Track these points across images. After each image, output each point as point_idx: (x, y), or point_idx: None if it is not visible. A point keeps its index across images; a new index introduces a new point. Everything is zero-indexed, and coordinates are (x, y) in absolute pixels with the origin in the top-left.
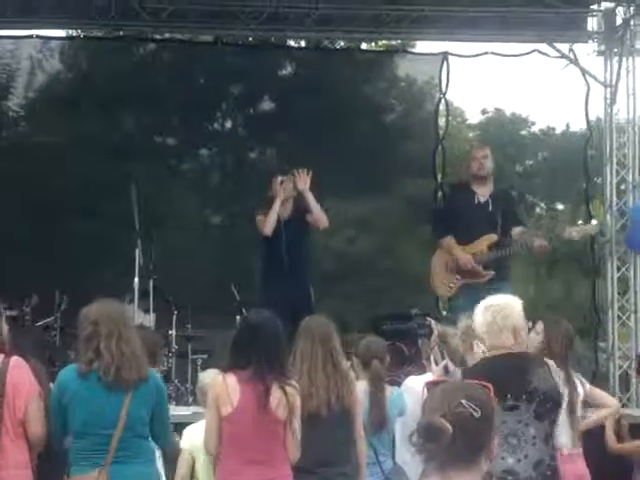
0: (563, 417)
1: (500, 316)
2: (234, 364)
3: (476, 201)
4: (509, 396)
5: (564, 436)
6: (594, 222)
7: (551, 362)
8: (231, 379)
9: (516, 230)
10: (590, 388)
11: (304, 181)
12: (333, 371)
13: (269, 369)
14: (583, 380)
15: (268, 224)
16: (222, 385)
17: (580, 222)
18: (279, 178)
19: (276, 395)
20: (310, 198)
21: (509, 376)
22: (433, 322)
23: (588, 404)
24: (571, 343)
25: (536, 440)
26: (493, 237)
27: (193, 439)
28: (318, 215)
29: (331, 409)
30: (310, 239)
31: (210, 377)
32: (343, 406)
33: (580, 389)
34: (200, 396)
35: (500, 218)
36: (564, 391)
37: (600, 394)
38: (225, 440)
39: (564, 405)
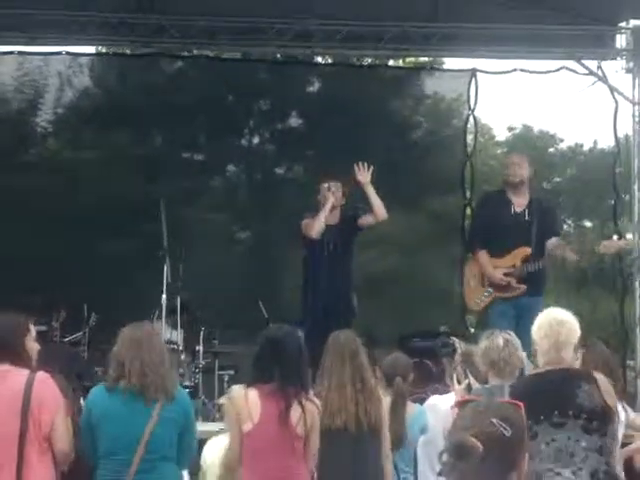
0: None
1: (565, 330)
2: (256, 379)
3: (512, 211)
4: (556, 413)
5: None
6: (629, 236)
7: (601, 376)
8: (253, 394)
9: (551, 242)
10: (636, 415)
11: (365, 174)
12: (362, 387)
13: (290, 384)
14: (626, 406)
15: (316, 227)
16: (243, 401)
17: (615, 237)
18: (328, 184)
19: (297, 411)
20: (371, 190)
21: (556, 392)
22: (457, 341)
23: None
24: (609, 366)
25: (588, 452)
26: (527, 250)
27: (206, 455)
28: (378, 207)
29: (359, 425)
30: (355, 248)
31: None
32: (371, 423)
33: (622, 414)
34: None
35: (535, 229)
36: (616, 406)
37: None
38: (245, 456)
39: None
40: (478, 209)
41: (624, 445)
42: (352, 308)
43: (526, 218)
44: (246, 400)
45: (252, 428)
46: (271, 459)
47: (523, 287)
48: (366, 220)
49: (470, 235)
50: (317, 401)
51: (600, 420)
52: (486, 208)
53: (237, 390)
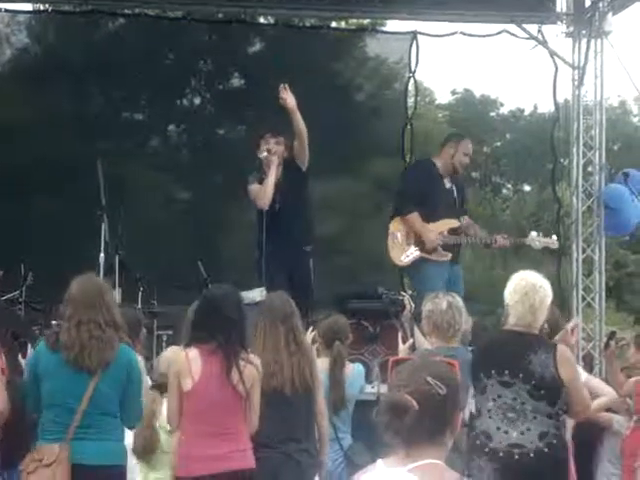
0: None
1: (539, 296)
2: (196, 339)
3: (444, 186)
4: (507, 372)
5: None
6: (554, 237)
7: (563, 348)
8: (193, 353)
9: (465, 220)
10: (587, 378)
11: (291, 98)
12: (296, 349)
13: (231, 344)
14: (580, 370)
15: (265, 197)
16: (184, 360)
17: (541, 236)
18: (268, 146)
19: (237, 369)
20: (298, 117)
21: (513, 353)
22: (407, 297)
23: None
24: (555, 328)
25: (537, 415)
26: (455, 223)
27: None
28: (302, 131)
29: (294, 387)
30: (308, 197)
31: (167, 357)
32: (306, 384)
33: None
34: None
35: (459, 206)
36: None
37: (597, 384)
38: (185, 414)
39: None
40: (411, 173)
41: None
42: (308, 269)
43: (454, 195)
44: (187, 359)
45: (192, 386)
46: (211, 417)
47: (449, 254)
48: (296, 152)
49: (403, 196)
50: (257, 361)
51: (548, 389)
52: (421, 175)
53: (177, 349)
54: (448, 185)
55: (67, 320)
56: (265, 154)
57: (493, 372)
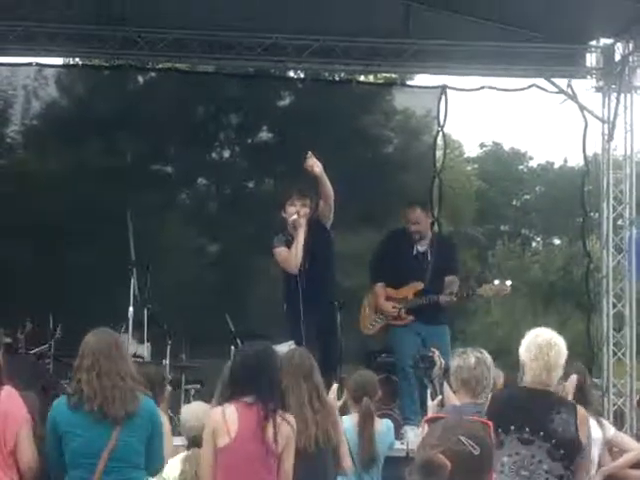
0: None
1: (554, 353)
2: (233, 394)
3: (414, 251)
4: (527, 429)
5: None
6: (508, 283)
7: (582, 410)
8: (230, 409)
9: (448, 279)
10: (615, 434)
11: (318, 164)
12: (319, 406)
13: (267, 401)
14: (606, 424)
15: (295, 262)
16: (220, 417)
17: (497, 282)
18: (297, 209)
19: (273, 425)
20: (324, 179)
21: (533, 410)
22: (437, 354)
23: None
24: (580, 385)
25: (549, 476)
26: (420, 285)
27: (168, 473)
28: (327, 193)
29: (318, 444)
30: (334, 255)
31: (193, 411)
32: (329, 441)
33: (597, 431)
34: (182, 429)
35: (433, 268)
36: (590, 440)
37: (624, 439)
38: (220, 472)
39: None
40: (383, 245)
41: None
42: (335, 325)
43: (428, 258)
44: (223, 416)
45: (228, 443)
46: (245, 475)
47: (411, 317)
48: (322, 212)
49: (371, 269)
50: (292, 420)
51: (568, 450)
52: (390, 245)
53: (206, 405)
54: (422, 249)
55: (86, 372)
56: (294, 217)
57: (512, 428)
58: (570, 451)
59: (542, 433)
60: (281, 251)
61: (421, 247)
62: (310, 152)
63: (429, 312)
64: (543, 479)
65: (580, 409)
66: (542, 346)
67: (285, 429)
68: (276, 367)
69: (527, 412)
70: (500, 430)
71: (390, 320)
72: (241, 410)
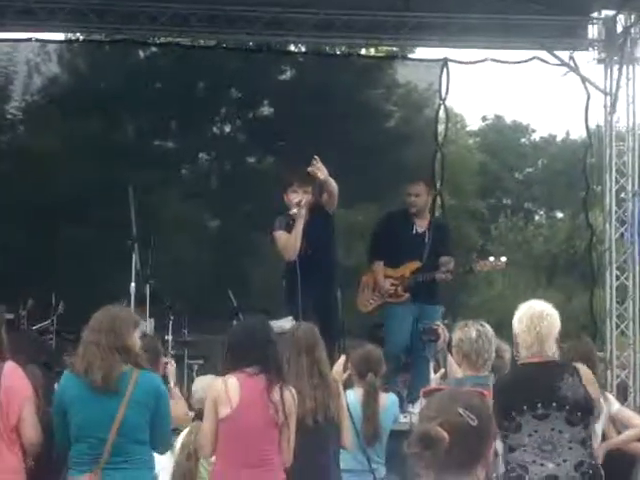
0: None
1: (546, 323)
2: (234, 364)
3: (414, 231)
4: (539, 405)
5: None
6: (503, 259)
7: (583, 367)
8: (232, 380)
9: (443, 259)
10: (619, 409)
11: (322, 171)
12: (319, 381)
13: (270, 371)
14: (611, 399)
15: (293, 250)
16: (222, 387)
17: (492, 258)
18: (298, 197)
19: (274, 398)
20: (329, 182)
21: (539, 384)
22: (442, 327)
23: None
24: (587, 359)
25: (572, 444)
26: (417, 264)
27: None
28: (332, 192)
29: (316, 419)
30: (335, 241)
31: (204, 383)
32: (328, 417)
33: (602, 406)
34: (192, 400)
35: (430, 247)
36: (599, 397)
37: (629, 415)
38: (221, 442)
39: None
40: (381, 225)
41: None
42: (337, 309)
43: (425, 239)
44: (225, 386)
45: (229, 413)
46: (247, 445)
47: (407, 295)
48: (326, 202)
49: (370, 248)
50: (293, 390)
51: (583, 411)
52: (390, 225)
53: (212, 377)
54: (420, 230)
55: (89, 345)
56: (295, 211)
57: (525, 408)
58: (585, 411)
59: (554, 404)
60: (280, 236)
61: (420, 228)
62: (317, 158)
63: (425, 292)
64: (567, 449)
65: (582, 367)
66: (534, 317)
67: (288, 399)
68: (273, 339)
69: (534, 387)
70: (514, 413)
71: (387, 298)
72: (243, 380)
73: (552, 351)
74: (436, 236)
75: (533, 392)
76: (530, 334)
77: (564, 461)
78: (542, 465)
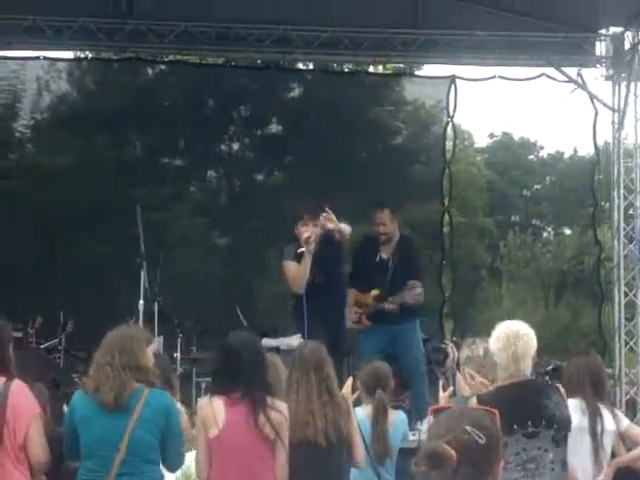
0: (587, 445)
1: (522, 343)
2: (218, 388)
3: (378, 258)
4: (530, 423)
5: (589, 462)
6: (419, 290)
7: (560, 387)
8: (217, 402)
9: (410, 283)
10: (628, 426)
11: (332, 220)
12: (329, 399)
13: (253, 391)
14: (620, 415)
15: (299, 283)
16: (208, 408)
17: (418, 290)
18: (308, 230)
19: (263, 415)
20: (344, 231)
21: (528, 403)
22: (450, 346)
23: (627, 441)
24: (596, 376)
25: (554, 465)
26: (376, 292)
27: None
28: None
29: (328, 438)
30: (344, 265)
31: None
32: (340, 436)
33: (611, 423)
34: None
35: (394, 272)
36: (577, 419)
37: (638, 432)
38: (214, 464)
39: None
40: (355, 250)
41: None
42: (345, 329)
43: (389, 264)
44: (211, 408)
45: (217, 434)
46: (238, 465)
47: (368, 323)
48: (339, 236)
49: (349, 273)
50: (283, 407)
51: (566, 430)
52: (360, 251)
53: (202, 399)
54: (385, 256)
55: (102, 364)
56: (303, 249)
57: (515, 427)
58: (567, 430)
59: (544, 422)
60: (290, 267)
61: (385, 254)
62: (328, 210)
63: (389, 314)
64: (549, 469)
65: (559, 387)
66: (510, 337)
67: (275, 417)
68: (258, 356)
69: (523, 407)
70: (500, 434)
71: (352, 325)
72: (229, 404)
73: (528, 371)
74: (401, 259)
75: (523, 411)
76: (507, 353)
77: None
78: None
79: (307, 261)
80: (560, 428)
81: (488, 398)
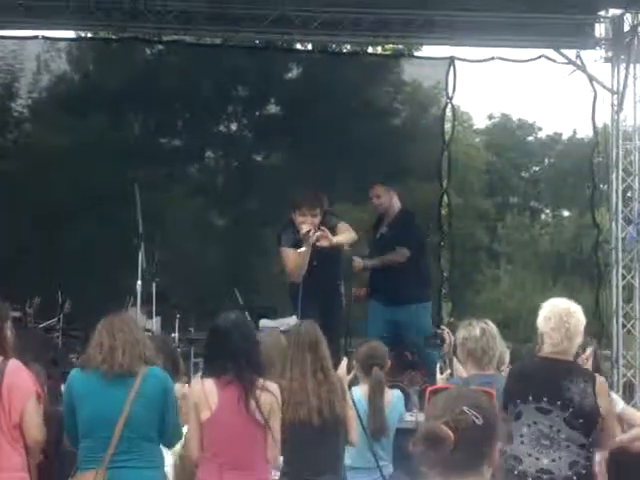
0: None
1: (574, 321)
2: (209, 370)
3: (378, 234)
4: (545, 399)
5: None
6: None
7: (600, 379)
8: (209, 384)
9: (398, 249)
10: (623, 407)
11: (327, 237)
12: (323, 379)
13: (244, 373)
14: (615, 398)
15: (296, 272)
16: (200, 392)
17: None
18: (308, 224)
19: (254, 397)
20: (344, 242)
21: (550, 380)
22: (446, 331)
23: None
24: (595, 357)
25: (570, 444)
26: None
27: None
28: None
29: (322, 417)
30: (341, 253)
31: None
32: (334, 414)
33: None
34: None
35: (386, 245)
36: (608, 412)
37: (633, 414)
38: (205, 446)
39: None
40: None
41: None
42: (341, 297)
43: (387, 238)
44: (203, 390)
45: (210, 417)
46: (230, 447)
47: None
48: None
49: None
50: (274, 387)
51: (586, 419)
52: (372, 230)
53: (194, 380)
54: (383, 231)
55: (99, 341)
56: (304, 249)
57: (530, 398)
58: (589, 420)
59: (559, 402)
60: (289, 256)
61: (383, 229)
62: (323, 228)
63: (392, 292)
64: (564, 446)
65: (599, 379)
66: (562, 315)
67: (265, 399)
68: (249, 337)
69: (544, 381)
70: (519, 401)
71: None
72: (220, 386)
73: (576, 347)
74: (396, 229)
75: (542, 385)
76: (560, 331)
77: (559, 458)
78: (537, 459)
79: (306, 255)
80: (577, 415)
81: (522, 364)
